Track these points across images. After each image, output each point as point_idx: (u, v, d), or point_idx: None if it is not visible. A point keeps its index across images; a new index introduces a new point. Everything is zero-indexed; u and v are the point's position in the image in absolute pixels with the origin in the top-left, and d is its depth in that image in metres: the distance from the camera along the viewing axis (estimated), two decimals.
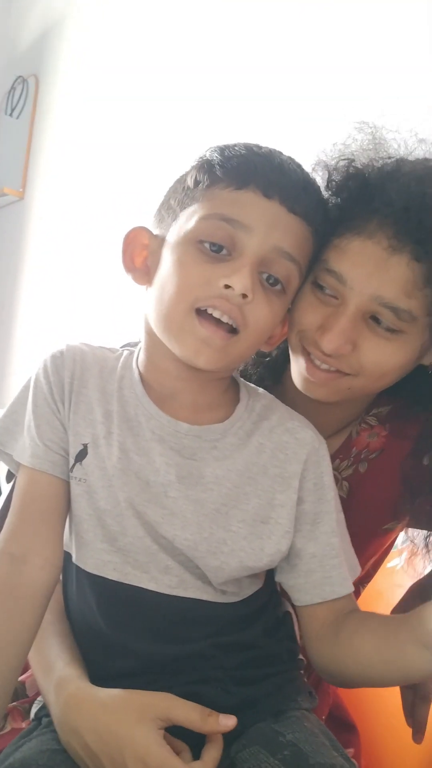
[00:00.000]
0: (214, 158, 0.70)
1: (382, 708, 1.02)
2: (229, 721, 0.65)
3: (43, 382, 0.75)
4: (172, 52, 2.12)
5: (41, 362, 0.76)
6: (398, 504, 0.91)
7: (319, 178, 0.78)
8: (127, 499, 0.72)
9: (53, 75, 2.92)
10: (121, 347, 0.83)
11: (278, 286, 0.71)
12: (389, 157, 0.76)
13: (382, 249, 0.72)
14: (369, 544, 0.94)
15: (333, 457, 0.90)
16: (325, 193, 0.77)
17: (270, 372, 0.94)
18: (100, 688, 0.68)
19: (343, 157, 0.78)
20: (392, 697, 0.91)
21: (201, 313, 0.68)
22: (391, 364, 0.77)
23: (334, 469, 0.89)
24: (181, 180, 0.73)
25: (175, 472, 0.72)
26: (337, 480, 0.90)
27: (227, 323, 0.68)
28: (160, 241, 0.73)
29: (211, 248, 0.68)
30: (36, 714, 0.76)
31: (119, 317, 2.09)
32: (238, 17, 1.85)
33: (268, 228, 0.67)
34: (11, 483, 1.03)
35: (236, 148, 0.70)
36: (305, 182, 0.71)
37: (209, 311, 0.68)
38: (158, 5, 2.21)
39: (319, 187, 0.74)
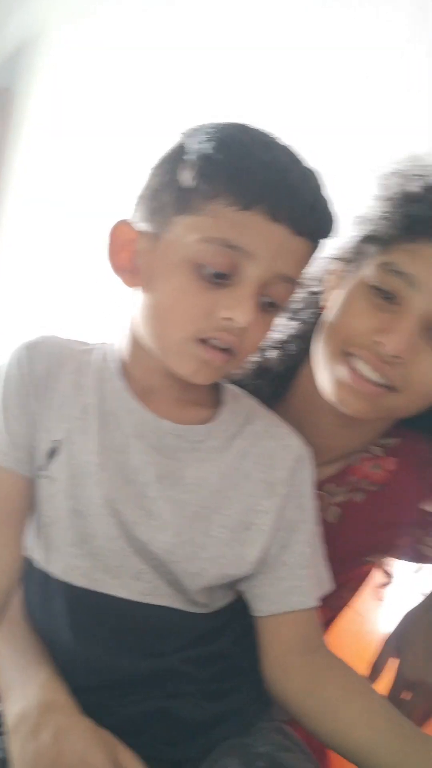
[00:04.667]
0: (218, 160, 0.63)
1: None
2: None
3: (16, 374, 0.71)
4: (151, 70, 2.13)
5: (14, 352, 0.73)
6: (389, 539, 0.89)
7: (392, 186, 0.79)
8: (104, 496, 0.69)
9: (28, 89, 2.92)
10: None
11: (273, 306, 0.68)
12: None
13: None
14: (349, 570, 0.92)
15: (326, 482, 0.88)
16: (392, 202, 0.78)
17: (272, 387, 0.91)
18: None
19: (421, 165, 0.78)
20: None
21: (201, 341, 0.66)
22: None
23: (325, 491, 0.88)
24: (173, 170, 0.66)
25: (155, 471, 0.70)
26: (326, 503, 0.88)
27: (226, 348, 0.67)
28: (151, 240, 0.67)
29: (212, 275, 0.64)
30: None
31: (91, 313, 2.06)
32: (225, 32, 1.85)
33: (272, 255, 0.64)
34: None
35: (240, 148, 0.64)
36: (314, 199, 0.66)
37: (211, 342, 0.66)
38: (139, 20, 2.22)
39: (327, 199, 0.68)
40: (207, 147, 0.64)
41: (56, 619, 0.71)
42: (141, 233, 0.68)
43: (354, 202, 0.83)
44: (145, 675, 0.69)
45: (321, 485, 0.88)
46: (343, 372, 0.77)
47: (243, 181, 0.62)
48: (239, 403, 0.78)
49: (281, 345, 0.93)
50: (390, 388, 0.75)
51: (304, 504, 0.74)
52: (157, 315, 0.67)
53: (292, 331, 0.93)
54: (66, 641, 0.70)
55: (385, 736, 0.65)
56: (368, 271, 0.77)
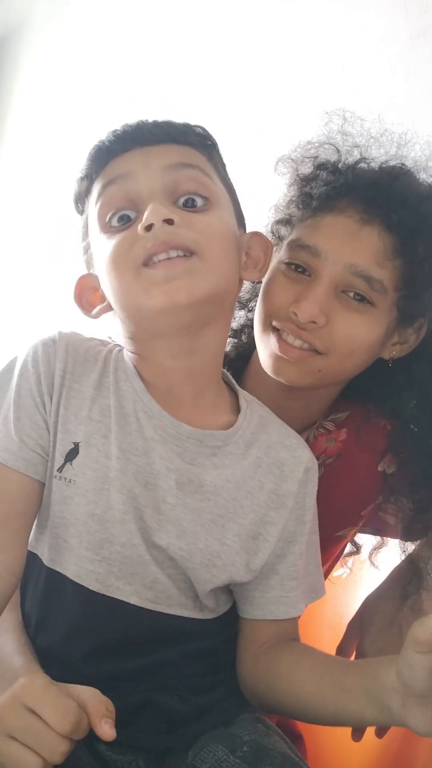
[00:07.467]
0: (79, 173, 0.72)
1: None
2: (108, 732, 0.50)
3: (31, 372, 0.69)
4: (134, 64, 2.12)
5: (30, 348, 0.70)
6: (354, 509, 0.91)
7: (286, 172, 0.86)
8: (126, 502, 0.67)
9: (9, 84, 2.90)
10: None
11: (199, 203, 0.68)
12: (356, 146, 0.82)
13: (354, 222, 0.77)
14: (322, 551, 0.93)
15: None
16: (294, 186, 0.85)
17: (230, 371, 0.91)
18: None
19: (308, 149, 0.84)
20: None
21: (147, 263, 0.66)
22: (361, 340, 0.80)
23: None
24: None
25: (175, 478, 0.69)
26: None
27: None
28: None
29: (119, 222, 0.68)
30: None
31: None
32: (207, 21, 1.84)
33: (144, 164, 0.67)
34: None
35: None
36: (156, 121, 0.71)
37: (154, 259, 0.65)
38: (119, 17, 2.21)
39: (187, 123, 0.73)
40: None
41: (54, 614, 0.69)
42: (96, 277, 0.72)
43: None
44: (136, 670, 0.69)
45: None
46: (273, 344, 0.82)
47: (93, 154, 0.71)
48: (252, 409, 0.77)
49: (234, 334, 0.98)
50: (316, 351, 0.80)
51: (304, 516, 0.75)
52: (110, 284, 0.68)
53: (243, 320, 0.98)
54: (59, 636, 0.69)
55: (326, 680, 0.66)
56: (282, 251, 0.84)
